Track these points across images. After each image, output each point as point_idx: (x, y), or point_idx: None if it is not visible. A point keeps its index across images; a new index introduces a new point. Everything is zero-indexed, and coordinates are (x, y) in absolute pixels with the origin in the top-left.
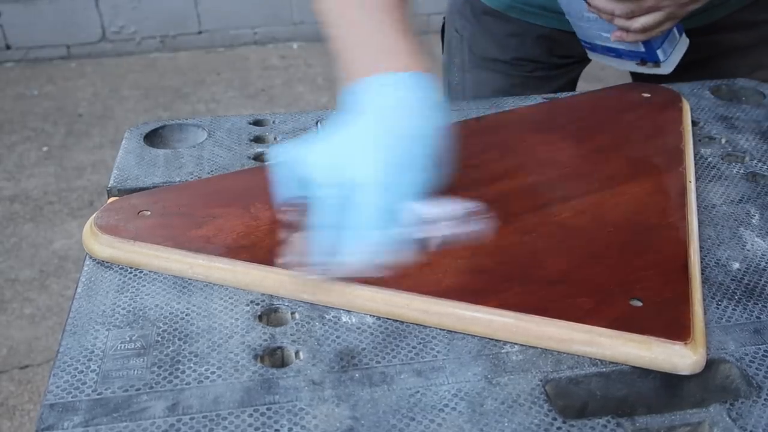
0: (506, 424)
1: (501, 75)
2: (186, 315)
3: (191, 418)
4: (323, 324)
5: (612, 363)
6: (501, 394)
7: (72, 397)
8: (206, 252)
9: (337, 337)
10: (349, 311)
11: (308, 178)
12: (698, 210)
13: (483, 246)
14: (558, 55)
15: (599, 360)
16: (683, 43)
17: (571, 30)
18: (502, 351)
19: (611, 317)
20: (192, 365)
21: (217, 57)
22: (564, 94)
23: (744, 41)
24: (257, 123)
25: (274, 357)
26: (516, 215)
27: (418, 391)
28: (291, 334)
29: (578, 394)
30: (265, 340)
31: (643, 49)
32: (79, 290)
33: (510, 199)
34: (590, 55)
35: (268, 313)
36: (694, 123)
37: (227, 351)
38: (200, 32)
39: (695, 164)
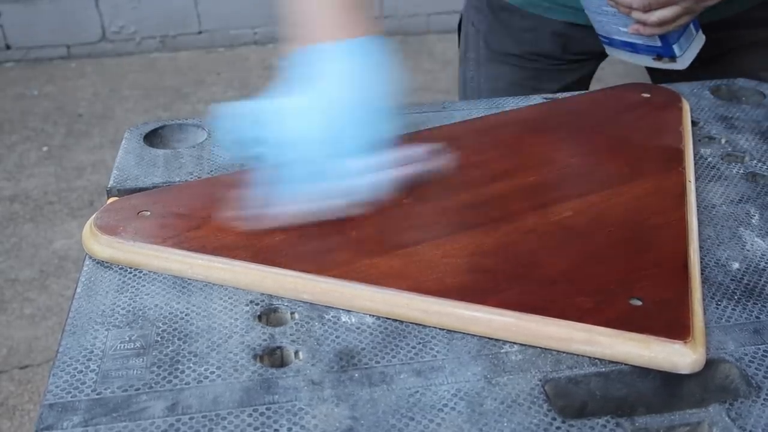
0: (505, 424)
1: (515, 68)
2: (185, 315)
3: (191, 418)
4: (323, 324)
5: (611, 362)
6: (500, 393)
7: (71, 397)
8: (206, 252)
9: (337, 337)
10: (348, 311)
11: (254, 138)
12: (698, 210)
13: (483, 245)
14: (572, 52)
15: (599, 359)
16: (699, 40)
17: (587, 24)
18: (502, 351)
19: (611, 316)
20: (191, 365)
21: (217, 57)
22: (564, 94)
23: (763, 37)
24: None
25: (273, 357)
26: (516, 215)
27: (417, 391)
28: (290, 334)
29: (578, 393)
30: (265, 340)
31: (659, 44)
32: (78, 290)
33: (510, 199)
34: (607, 50)
35: (268, 313)
36: (693, 123)
37: (227, 351)
38: (200, 32)
39: (695, 164)
